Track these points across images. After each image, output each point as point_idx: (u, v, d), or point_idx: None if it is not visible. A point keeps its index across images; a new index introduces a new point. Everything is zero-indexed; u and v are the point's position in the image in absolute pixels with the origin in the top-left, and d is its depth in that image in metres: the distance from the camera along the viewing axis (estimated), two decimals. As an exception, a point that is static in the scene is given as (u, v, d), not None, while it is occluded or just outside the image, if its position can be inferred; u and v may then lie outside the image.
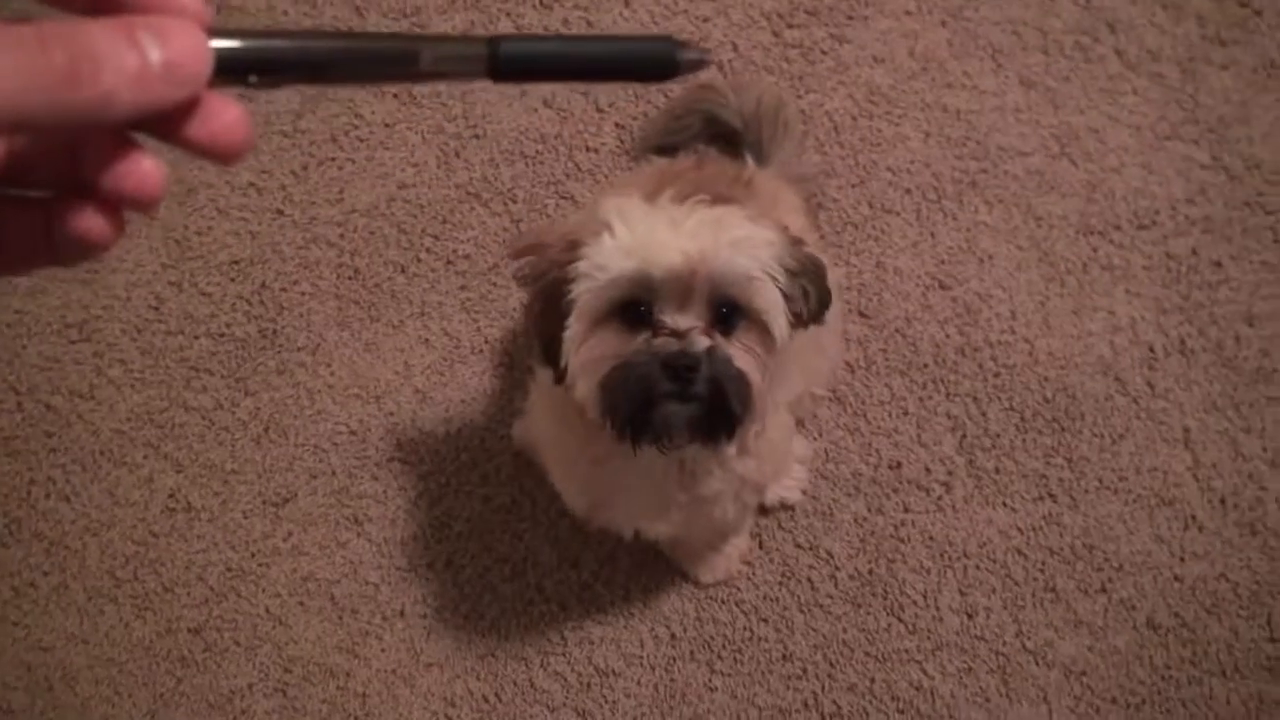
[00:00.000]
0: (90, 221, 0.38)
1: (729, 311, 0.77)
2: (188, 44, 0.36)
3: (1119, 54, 1.23)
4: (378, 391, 1.18)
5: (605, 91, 1.19)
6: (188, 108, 0.36)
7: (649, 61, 0.48)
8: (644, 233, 0.76)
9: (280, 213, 1.22)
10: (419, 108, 1.23)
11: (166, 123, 0.36)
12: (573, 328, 0.78)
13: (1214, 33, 1.24)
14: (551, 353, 0.80)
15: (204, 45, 0.36)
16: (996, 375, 1.13)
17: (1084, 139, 1.21)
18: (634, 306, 0.77)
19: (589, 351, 0.78)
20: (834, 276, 0.85)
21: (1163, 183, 1.19)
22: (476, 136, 1.22)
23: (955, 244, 1.17)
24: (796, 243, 0.80)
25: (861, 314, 1.15)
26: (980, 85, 1.22)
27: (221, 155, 0.37)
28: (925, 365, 1.14)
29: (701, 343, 0.76)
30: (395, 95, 1.22)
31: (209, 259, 1.22)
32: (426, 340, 1.18)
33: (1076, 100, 1.22)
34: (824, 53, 1.23)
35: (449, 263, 1.19)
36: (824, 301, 0.82)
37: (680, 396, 0.76)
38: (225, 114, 0.37)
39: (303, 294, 1.20)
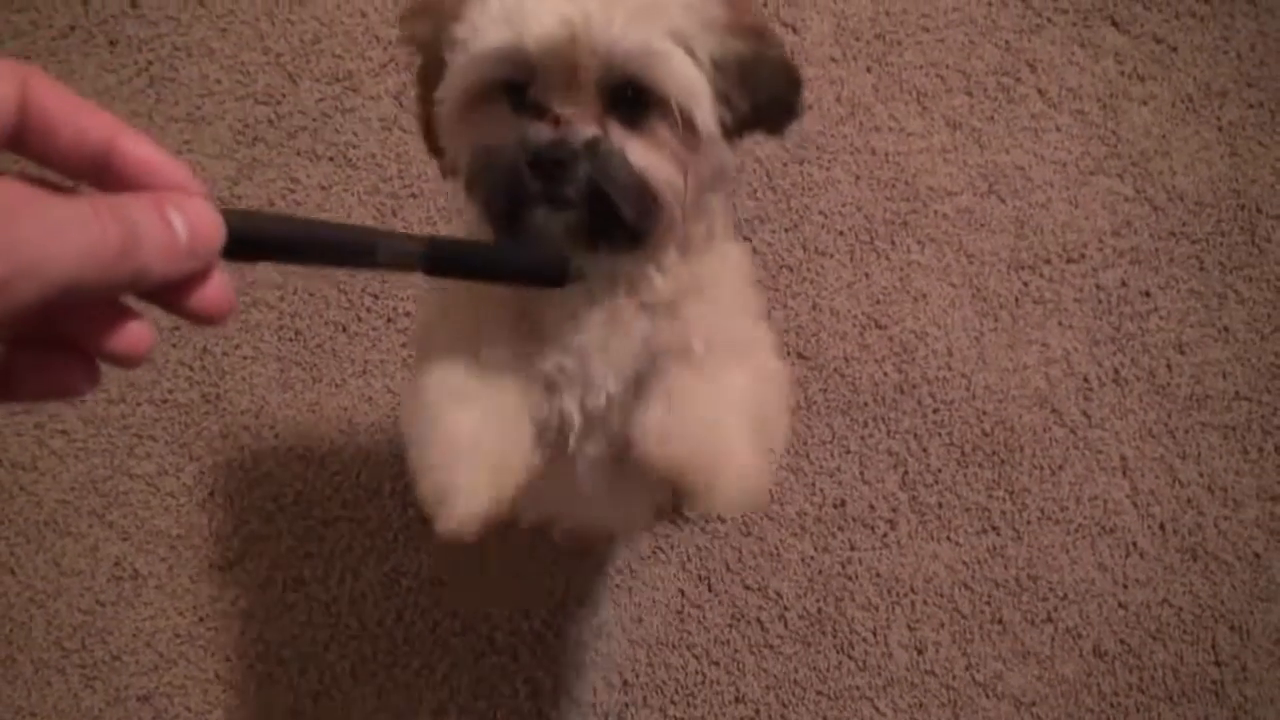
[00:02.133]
0: (79, 378, 0.39)
1: (634, 97, 0.61)
2: (206, 219, 0.39)
3: (1041, 93, 1.26)
4: (322, 452, 1.17)
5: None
6: (196, 278, 0.39)
7: (548, 271, 0.55)
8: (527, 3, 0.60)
9: (221, 277, 1.21)
10: (355, 169, 1.23)
11: (172, 292, 0.39)
12: (445, 104, 0.63)
13: (1132, 69, 1.27)
14: (427, 129, 0.67)
15: (218, 220, 0.39)
16: (935, 411, 1.14)
17: (1011, 176, 1.23)
18: (518, 89, 0.62)
19: (465, 135, 0.64)
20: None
21: (1089, 216, 1.21)
22: (413, 195, 1.23)
23: (890, 284, 1.18)
24: (739, 25, 0.63)
25: (800, 355, 1.15)
26: (907, 128, 1.24)
27: (212, 319, 0.40)
28: (865, 404, 1.14)
29: (582, 133, 0.60)
30: (331, 159, 1.23)
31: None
32: (370, 398, 1.17)
33: (1001, 139, 1.24)
34: (755, 101, 1.25)
35: (389, 320, 1.19)
36: (778, 95, 0.65)
37: (551, 199, 0.61)
38: (215, 281, 0.40)
39: (244, 358, 1.19)
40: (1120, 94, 1.25)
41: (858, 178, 1.21)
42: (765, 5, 1.26)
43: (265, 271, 1.20)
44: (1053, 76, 1.26)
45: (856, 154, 1.22)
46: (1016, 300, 1.17)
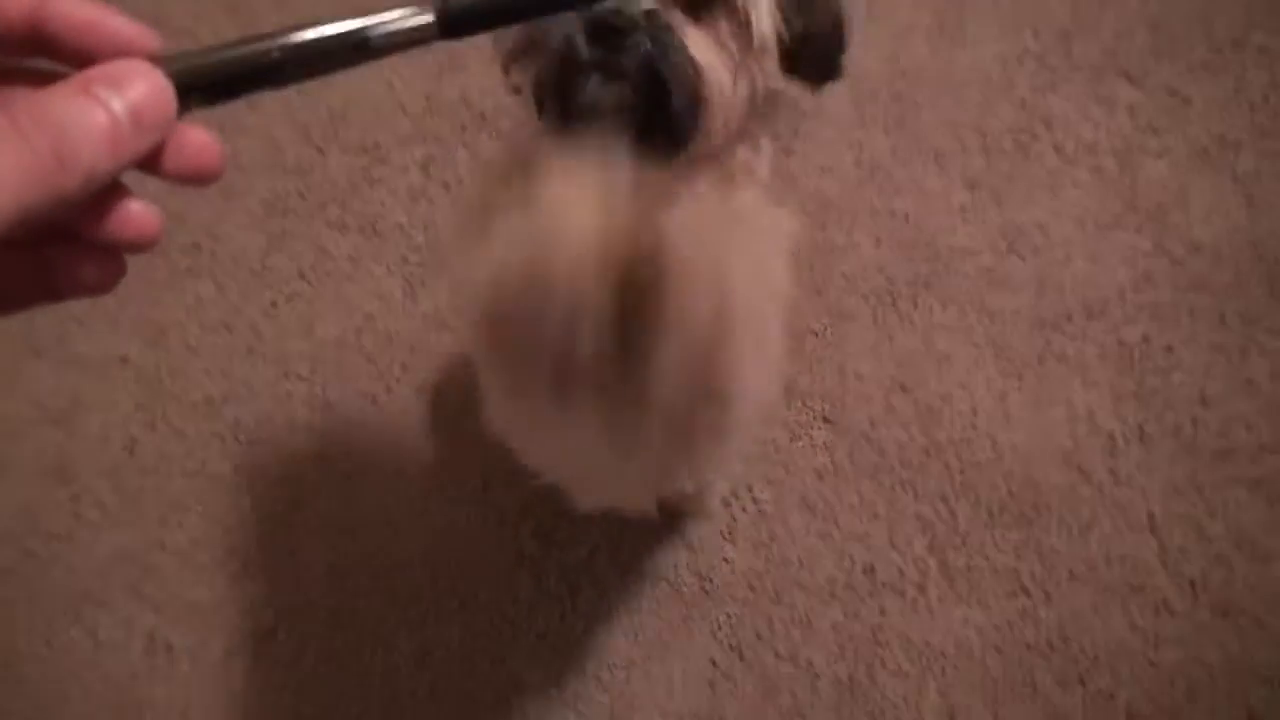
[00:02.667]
0: (95, 270, 0.36)
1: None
2: (146, 88, 0.34)
3: (1057, 149, 1.27)
4: (354, 524, 1.18)
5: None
6: (162, 145, 0.35)
7: None
8: None
9: (251, 350, 1.23)
10: (383, 240, 1.25)
11: (147, 163, 0.35)
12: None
13: (1146, 122, 1.27)
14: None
15: (162, 84, 0.35)
16: (962, 473, 1.14)
17: (1030, 234, 1.23)
18: None
19: (524, 56, 0.64)
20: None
21: (1109, 272, 1.22)
22: (443, 265, 1.25)
23: (913, 346, 1.19)
24: None
25: (826, 420, 1.16)
26: (926, 188, 1.25)
27: (198, 180, 0.37)
28: (892, 468, 1.14)
29: (643, 4, 0.60)
30: (359, 229, 1.24)
31: (182, 398, 1.22)
32: (400, 470, 1.18)
33: (1020, 197, 1.25)
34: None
35: (419, 390, 1.21)
36: (825, 38, 0.66)
37: (606, 69, 0.59)
38: (195, 140, 0.36)
39: (277, 428, 1.20)
40: (1136, 148, 1.26)
41: (879, 240, 1.22)
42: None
43: (298, 342, 1.21)
44: (1069, 132, 1.26)
45: (877, 216, 1.23)
46: (1039, 359, 1.18)
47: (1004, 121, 1.27)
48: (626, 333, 0.55)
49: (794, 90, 0.68)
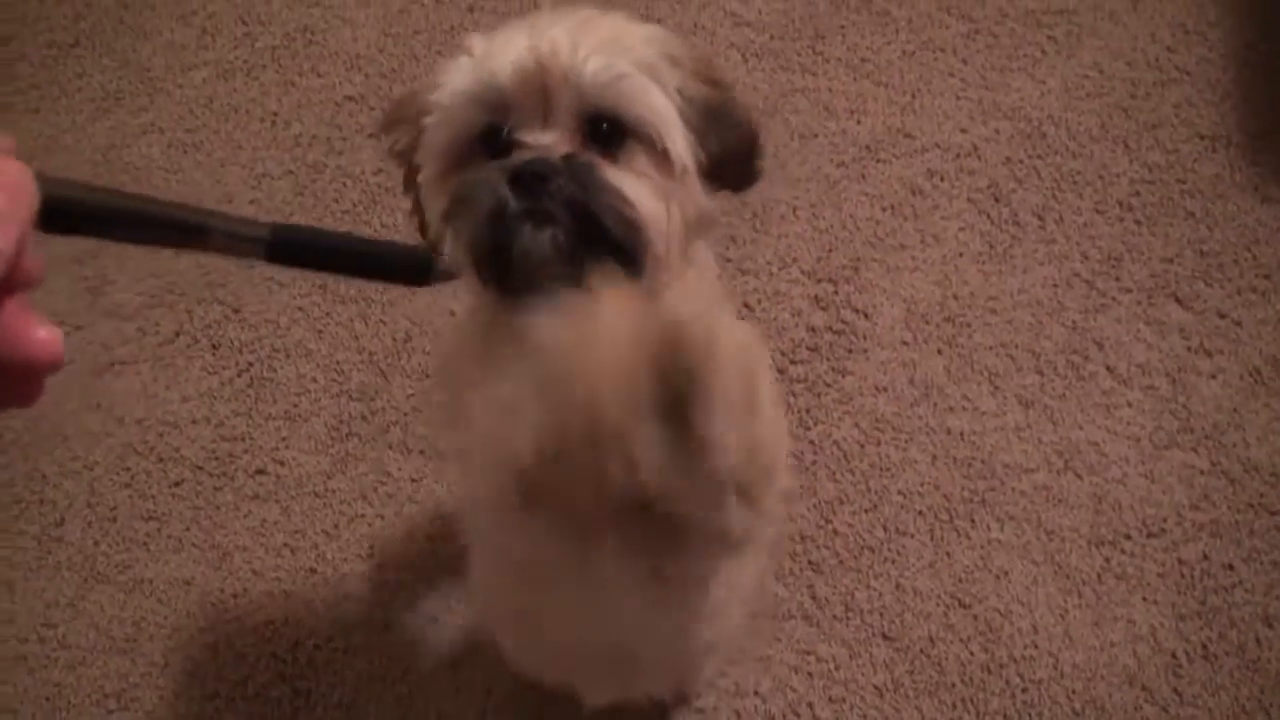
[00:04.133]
0: (12, 391, 0.44)
1: (610, 129, 0.77)
2: (14, 169, 0.40)
3: (1110, 370, 1.63)
4: (412, 744, 1.50)
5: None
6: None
7: (409, 267, 0.65)
8: (497, 45, 0.76)
9: (313, 571, 1.58)
10: (444, 461, 1.62)
11: None
12: (426, 172, 0.79)
13: (1198, 344, 1.64)
14: (424, 229, 0.82)
15: (25, 170, 0.41)
16: (1024, 691, 1.45)
17: (1085, 452, 1.58)
18: (494, 135, 0.77)
19: (448, 185, 0.78)
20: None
21: (1167, 490, 1.55)
22: (501, 485, 1.61)
23: (971, 562, 1.52)
24: (705, 76, 0.80)
25: (885, 636, 1.48)
26: (980, 407, 1.62)
27: (28, 366, 0.43)
28: (953, 685, 1.45)
29: (557, 151, 0.74)
30: (421, 451, 1.61)
31: (244, 620, 1.56)
32: (459, 688, 1.51)
33: (1074, 416, 1.60)
34: (828, 385, 1.63)
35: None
36: (742, 148, 0.82)
37: (535, 217, 0.73)
38: (39, 334, 0.43)
39: (335, 650, 1.53)
40: (1189, 369, 1.62)
41: (934, 457, 1.58)
42: (835, 290, 1.67)
43: (358, 564, 1.57)
44: (1121, 354, 1.63)
45: (932, 434, 1.59)
46: (1099, 576, 1.50)
47: (1056, 342, 1.64)
48: (675, 431, 0.65)
49: (719, 202, 0.85)
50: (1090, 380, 1.60)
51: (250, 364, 1.66)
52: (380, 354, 1.67)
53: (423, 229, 0.84)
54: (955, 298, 1.65)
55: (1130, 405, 1.58)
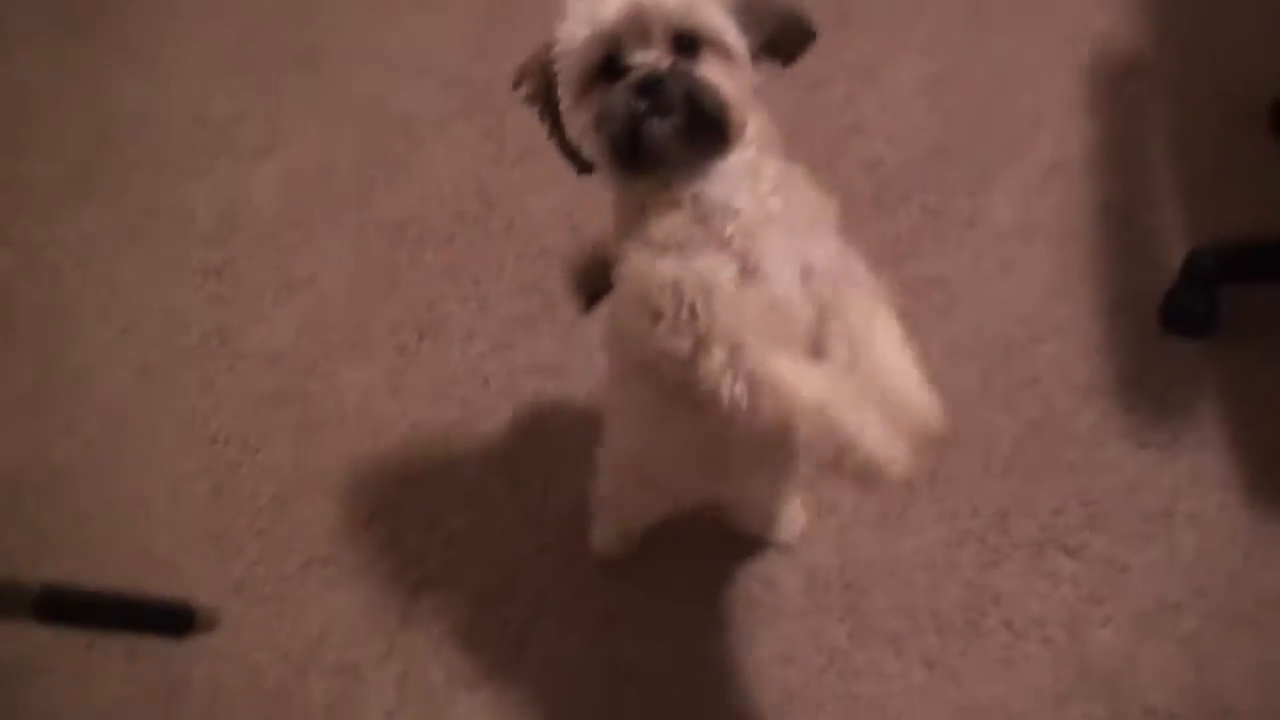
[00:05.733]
0: None
1: (690, 41, 1.12)
2: None
3: (1007, 624, 1.74)
4: None
5: None
6: None
7: (171, 621, 0.76)
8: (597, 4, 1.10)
9: None
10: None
11: None
12: (564, 103, 1.15)
13: (1089, 592, 1.75)
14: (566, 146, 1.20)
15: None
16: None
17: (989, 708, 1.65)
18: (610, 64, 1.11)
19: (584, 116, 1.14)
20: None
21: (1071, 743, 1.66)
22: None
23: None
24: None
25: None
26: (885, 670, 1.70)
27: None
28: None
29: (665, 62, 1.10)
30: None
31: None
32: None
33: (976, 673, 1.69)
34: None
35: None
36: (787, 29, 1.17)
37: (658, 110, 1.10)
38: None
39: None
40: (1081, 618, 1.73)
41: (843, 723, 1.68)
42: (739, 564, 1.80)
43: None
44: (1017, 607, 1.75)
45: (839, 701, 1.68)
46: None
47: (953, 601, 1.75)
48: None
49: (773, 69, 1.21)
50: (989, 636, 1.72)
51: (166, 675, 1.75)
52: (296, 651, 1.77)
53: (563, 144, 1.21)
54: (853, 563, 1.78)
55: (1029, 658, 1.70)
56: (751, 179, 1.17)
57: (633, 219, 1.19)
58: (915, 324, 1.97)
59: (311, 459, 1.95)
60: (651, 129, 1.10)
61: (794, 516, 1.76)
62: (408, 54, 2.55)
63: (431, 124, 2.39)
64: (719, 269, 1.13)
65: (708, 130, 1.12)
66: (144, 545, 1.88)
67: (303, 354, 2.09)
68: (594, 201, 2.13)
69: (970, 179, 2.20)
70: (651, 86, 1.10)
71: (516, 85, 1.21)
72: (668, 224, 1.15)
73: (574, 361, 2.02)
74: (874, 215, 2.16)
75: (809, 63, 2.02)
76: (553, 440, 1.94)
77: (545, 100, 1.19)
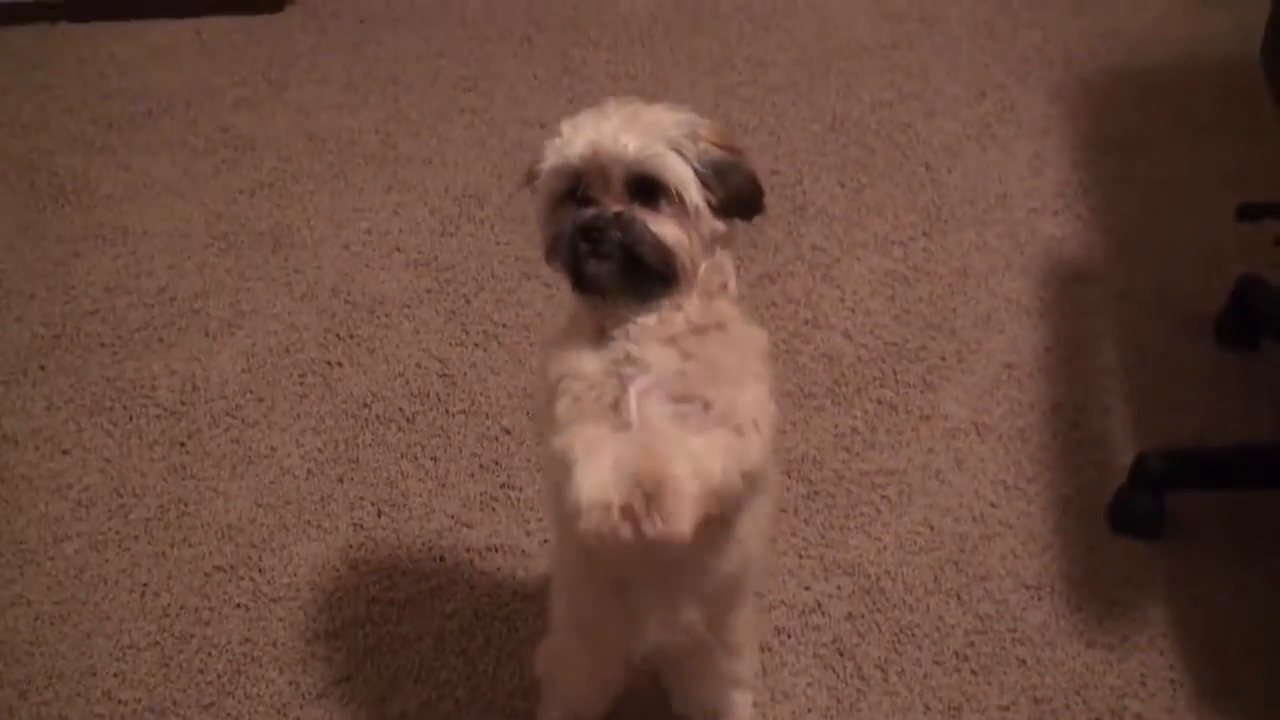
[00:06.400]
0: None
1: (649, 188, 1.22)
2: None
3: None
4: None
5: None
6: None
7: None
8: (576, 130, 1.23)
9: None
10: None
11: None
12: (538, 208, 1.28)
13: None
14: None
15: None
16: None
17: None
18: (573, 193, 1.24)
19: (549, 226, 1.27)
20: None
21: None
22: None
23: None
24: (720, 144, 1.26)
25: None
26: None
27: None
28: None
29: (610, 209, 1.21)
30: None
31: None
32: None
33: None
34: None
35: None
36: (745, 193, 1.28)
37: (596, 254, 1.22)
38: None
39: None
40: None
41: None
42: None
43: None
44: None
45: None
46: None
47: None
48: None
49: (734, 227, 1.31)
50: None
51: None
52: None
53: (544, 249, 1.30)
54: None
55: None
56: (666, 335, 1.26)
57: (577, 326, 1.32)
58: (869, 517, 2.07)
59: (263, 633, 1.97)
60: (590, 268, 1.23)
61: (741, 704, 1.75)
62: (376, 234, 2.65)
63: (398, 305, 2.48)
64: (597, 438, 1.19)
65: (645, 274, 1.23)
66: (89, 718, 1.88)
67: (259, 527, 2.12)
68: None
69: (924, 375, 2.29)
70: (593, 231, 1.22)
71: (525, 184, 1.35)
72: (576, 382, 1.25)
73: (531, 543, 2.06)
74: (831, 407, 2.24)
75: (768, 253, 2.16)
76: (507, 620, 1.97)
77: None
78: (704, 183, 1.24)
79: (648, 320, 1.26)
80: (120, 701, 1.90)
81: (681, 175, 1.23)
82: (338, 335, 2.42)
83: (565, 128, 1.26)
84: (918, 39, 3.05)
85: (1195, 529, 2.04)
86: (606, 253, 1.22)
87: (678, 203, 1.23)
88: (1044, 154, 2.76)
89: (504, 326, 2.36)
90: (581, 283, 1.25)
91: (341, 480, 2.18)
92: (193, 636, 1.98)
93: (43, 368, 2.40)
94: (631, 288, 1.24)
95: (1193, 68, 2.95)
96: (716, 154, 1.25)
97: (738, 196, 1.28)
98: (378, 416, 2.28)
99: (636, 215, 1.22)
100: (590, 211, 1.22)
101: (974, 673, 1.88)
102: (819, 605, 1.96)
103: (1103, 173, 2.69)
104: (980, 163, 2.75)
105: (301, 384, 2.34)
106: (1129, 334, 2.34)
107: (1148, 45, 3.03)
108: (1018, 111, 2.87)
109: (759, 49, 3.03)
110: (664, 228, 1.23)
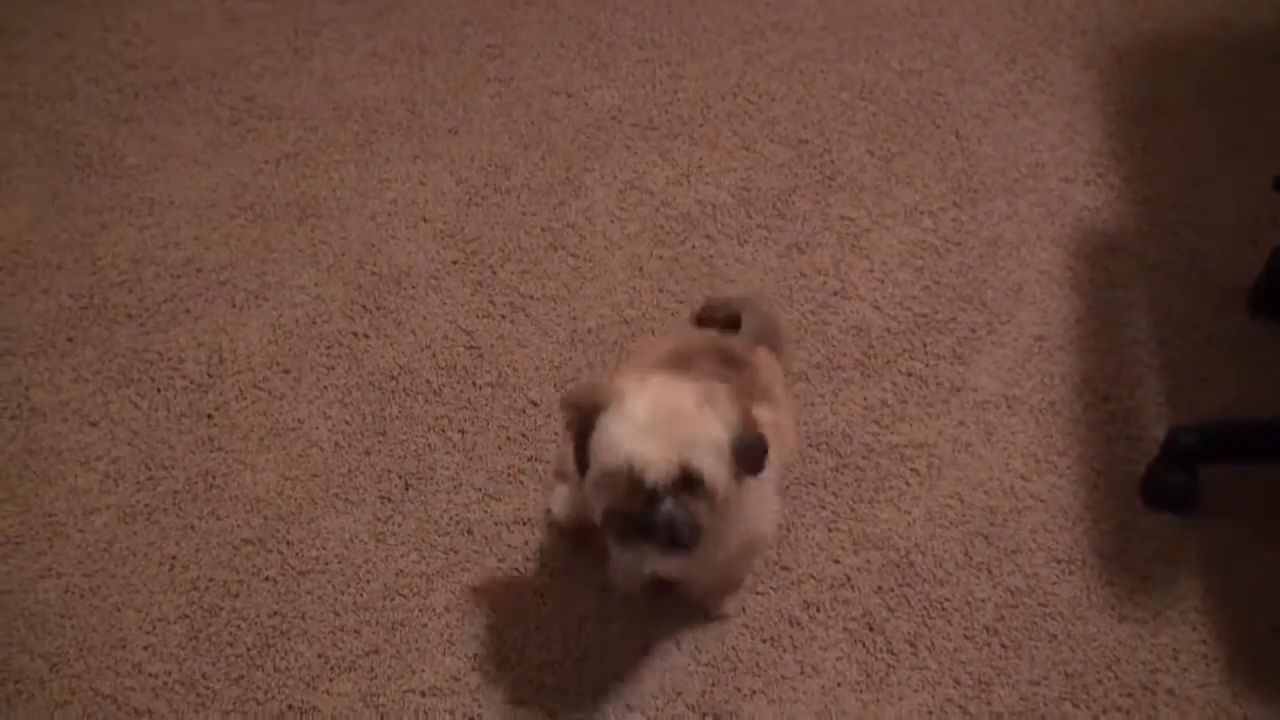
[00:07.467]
0: None
1: (689, 482, 1.45)
2: None
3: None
4: None
5: None
6: None
7: None
8: (633, 435, 1.44)
9: None
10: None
11: None
12: (591, 471, 1.50)
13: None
14: (581, 465, 1.52)
15: None
16: None
17: None
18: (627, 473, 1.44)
19: (599, 489, 1.50)
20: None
21: None
22: None
23: None
24: (744, 424, 1.49)
25: None
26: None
27: None
28: None
29: (666, 505, 1.45)
30: None
31: None
32: None
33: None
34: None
35: None
36: (759, 463, 1.53)
37: (645, 536, 1.47)
38: None
39: None
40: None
41: None
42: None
43: None
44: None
45: None
46: None
47: (936, 769, 1.80)
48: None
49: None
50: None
51: None
52: None
53: (580, 460, 1.55)
54: (835, 728, 1.82)
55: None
56: None
57: None
58: (899, 490, 2.07)
59: (291, 605, 1.98)
60: (640, 545, 1.52)
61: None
62: (402, 204, 2.65)
63: (425, 276, 2.48)
64: None
65: (680, 548, 1.51)
66: (119, 691, 1.90)
67: (287, 500, 2.13)
68: (583, 356, 2.22)
69: (954, 347, 2.29)
70: (647, 522, 1.47)
71: (563, 409, 1.60)
72: None
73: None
74: (860, 379, 2.24)
75: (796, 224, 2.15)
76: (536, 593, 1.98)
77: (578, 434, 1.53)
78: (732, 457, 1.51)
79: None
80: (150, 674, 1.92)
81: (714, 474, 1.48)
82: (364, 307, 2.42)
83: (626, 395, 1.49)
84: (948, 5, 3.01)
85: (1228, 503, 2.04)
86: (654, 539, 1.49)
87: (705, 490, 1.48)
88: (1076, 122, 2.73)
89: (531, 298, 2.36)
90: (629, 548, 1.55)
91: (369, 453, 2.18)
92: (221, 609, 2.00)
93: (70, 339, 2.41)
94: (667, 552, 1.52)
95: (1227, 34, 2.91)
96: (741, 434, 1.50)
97: (753, 467, 1.55)
98: (404, 389, 2.29)
99: (678, 512, 1.48)
100: (648, 506, 1.47)
101: (1004, 647, 1.88)
102: (848, 579, 1.97)
103: (1135, 141, 2.67)
104: (1011, 131, 2.72)
105: (328, 356, 2.35)
106: (1161, 305, 2.33)
107: (1181, 11, 2.99)
108: (1049, 79, 2.84)
109: (787, 16, 2.99)
110: (698, 510, 1.49)
